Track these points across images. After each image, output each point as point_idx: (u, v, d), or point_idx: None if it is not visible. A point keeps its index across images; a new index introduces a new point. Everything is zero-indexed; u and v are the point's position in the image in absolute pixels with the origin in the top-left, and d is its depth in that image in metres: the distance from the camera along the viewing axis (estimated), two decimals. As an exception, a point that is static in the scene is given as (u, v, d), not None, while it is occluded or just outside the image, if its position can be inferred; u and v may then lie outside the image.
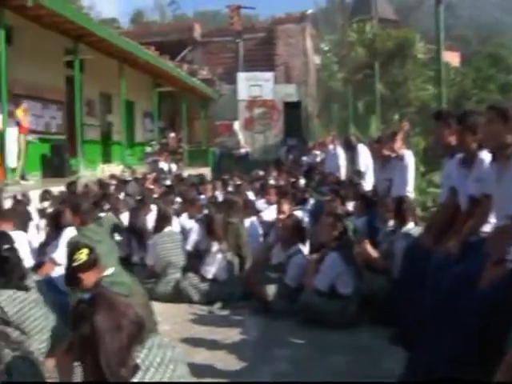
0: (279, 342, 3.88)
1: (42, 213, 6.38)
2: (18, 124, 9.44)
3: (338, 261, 4.12)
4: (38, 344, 3.03)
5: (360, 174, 7.65)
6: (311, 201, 7.05)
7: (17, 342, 2.22)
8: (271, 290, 4.36)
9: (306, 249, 4.80)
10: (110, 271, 3.07)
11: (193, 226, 5.61)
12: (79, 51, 10.64)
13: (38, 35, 9.95)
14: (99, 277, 2.96)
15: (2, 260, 3.14)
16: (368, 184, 7.37)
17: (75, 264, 2.96)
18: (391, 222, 4.66)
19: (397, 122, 16.22)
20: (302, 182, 9.72)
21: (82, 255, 2.97)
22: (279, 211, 5.36)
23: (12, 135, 9.08)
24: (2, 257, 3.15)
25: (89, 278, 2.95)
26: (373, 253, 4.44)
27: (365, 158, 7.81)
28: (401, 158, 5.46)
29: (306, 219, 5.87)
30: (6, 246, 3.20)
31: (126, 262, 4.61)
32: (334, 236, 4.22)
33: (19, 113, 9.51)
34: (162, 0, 50.78)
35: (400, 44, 21.23)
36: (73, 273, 3.00)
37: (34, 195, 7.20)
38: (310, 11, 21.93)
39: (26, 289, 3.10)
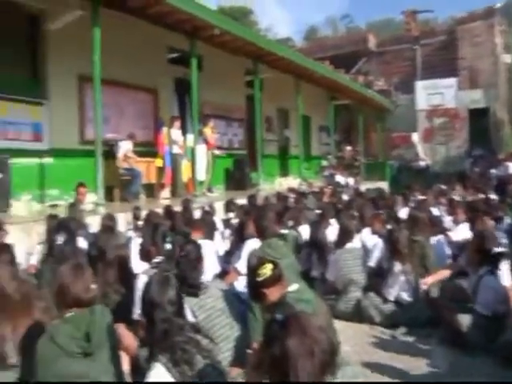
0: (471, 379, 3.42)
1: (226, 223, 6.77)
2: (206, 141, 10.36)
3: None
4: (223, 352, 3.13)
5: None
6: (507, 219, 6.26)
7: (207, 350, 2.28)
8: (465, 319, 3.87)
9: (504, 273, 4.20)
10: (294, 287, 3.01)
11: (376, 242, 5.31)
12: (259, 71, 11.23)
13: (222, 60, 10.79)
14: (283, 292, 2.93)
15: (177, 267, 3.33)
16: None
17: (259, 279, 2.94)
18: None
19: None
20: (493, 197, 8.78)
21: (267, 270, 2.95)
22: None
23: (201, 151, 9.99)
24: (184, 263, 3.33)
25: (272, 294, 2.93)
26: None
27: None
28: None
29: (504, 241, 5.18)
30: (182, 254, 3.39)
31: (305, 277, 4.57)
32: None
33: (207, 131, 10.46)
34: (334, 15, 51.30)
35: None
36: (257, 288, 3.00)
37: (218, 206, 7.70)
38: (498, 5, 19.89)
39: (195, 297, 3.23)
